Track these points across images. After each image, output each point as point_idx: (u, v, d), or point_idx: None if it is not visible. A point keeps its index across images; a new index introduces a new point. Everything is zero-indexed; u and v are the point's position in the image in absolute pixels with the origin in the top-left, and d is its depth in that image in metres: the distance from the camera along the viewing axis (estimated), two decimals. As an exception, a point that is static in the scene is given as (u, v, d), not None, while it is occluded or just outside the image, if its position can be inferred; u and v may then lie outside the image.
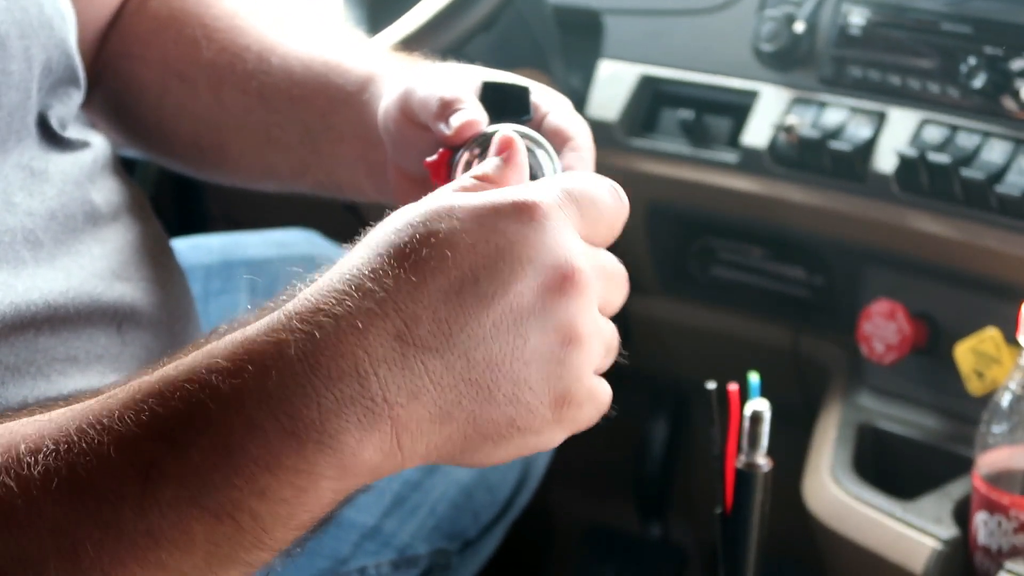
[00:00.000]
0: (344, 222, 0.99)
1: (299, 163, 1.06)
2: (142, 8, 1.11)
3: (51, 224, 0.92)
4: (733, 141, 1.51)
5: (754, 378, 0.92)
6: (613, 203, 0.74)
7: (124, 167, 1.07)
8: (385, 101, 0.94)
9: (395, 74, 0.98)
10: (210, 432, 0.63)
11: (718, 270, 1.64)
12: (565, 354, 0.68)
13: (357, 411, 0.63)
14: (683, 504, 1.92)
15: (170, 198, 1.95)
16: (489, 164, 0.75)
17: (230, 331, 0.66)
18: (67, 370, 0.89)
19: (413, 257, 0.65)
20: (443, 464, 1.18)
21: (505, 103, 0.88)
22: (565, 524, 2.01)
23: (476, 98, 0.88)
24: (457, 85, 0.89)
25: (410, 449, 0.65)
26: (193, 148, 1.11)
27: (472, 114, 0.86)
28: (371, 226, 0.69)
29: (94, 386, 0.83)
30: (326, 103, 1.01)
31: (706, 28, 1.55)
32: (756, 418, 0.92)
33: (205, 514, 0.63)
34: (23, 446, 0.64)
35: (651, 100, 1.59)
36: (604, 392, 0.73)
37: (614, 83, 1.59)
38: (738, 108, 1.51)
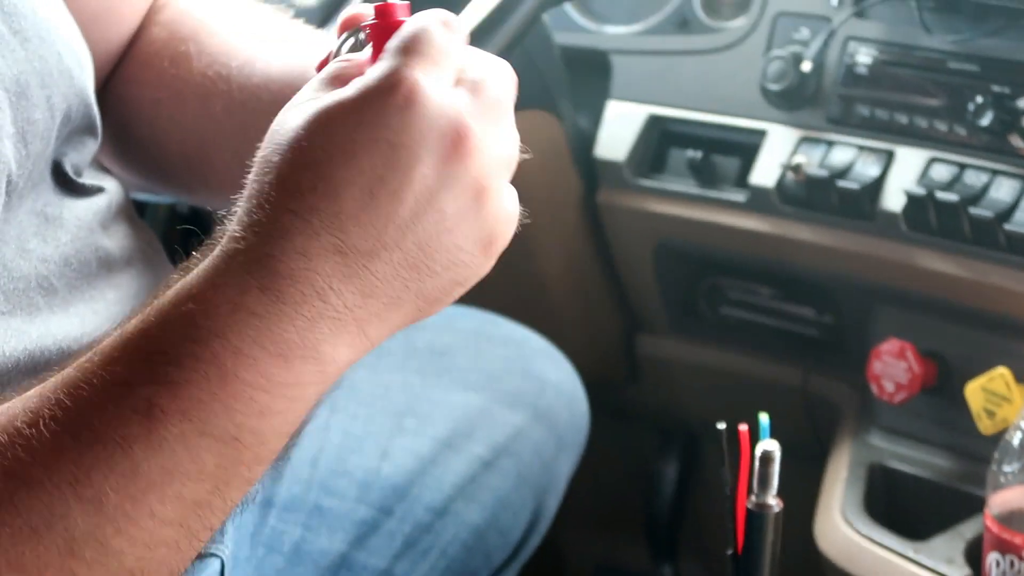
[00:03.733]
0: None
1: None
2: (142, 34, 1.11)
3: (65, 270, 0.93)
4: (741, 180, 1.51)
5: (764, 418, 0.92)
6: (448, 32, 0.76)
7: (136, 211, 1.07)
8: None
9: None
10: (201, 367, 0.68)
11: (727, 309, 1.64)
12: (480, 204, 0.74)
13: (326, 323, 0.70)
14: (694, 545, 1.92)
15: (179, 242, 1.95)
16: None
17: (184, 279, 0.72)
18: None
19: (321, 172, 0.71)
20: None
21: None
22: (576, 565, 2.01)
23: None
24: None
25: (376, 336, 0.73)
26: (182, 163, 1.11)
27: (352, 10, 0.87)
28: None
29: None
30: None
31: (713, 68, 1.56)
32: (767, 458, 0.92)
33: (212, 441, 0.69)
34: (19, 422, 0.69)
35: (659, 140, 1.59)
36: (515, 206, 0.77)
37: (622, 123, 1.60)
38: (746, 147, 1.51)
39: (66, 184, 0.97)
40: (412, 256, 0.72)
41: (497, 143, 0.75)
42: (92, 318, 0.93)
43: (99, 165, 1.08)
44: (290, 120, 0.73)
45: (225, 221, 0.74)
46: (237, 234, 0.71)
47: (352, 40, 0.85)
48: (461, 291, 0.76)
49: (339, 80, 0.76)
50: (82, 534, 0.67)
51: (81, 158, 0.99)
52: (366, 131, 0.71)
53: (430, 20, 0.76)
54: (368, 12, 0.85)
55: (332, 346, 0.71)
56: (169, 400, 0.68)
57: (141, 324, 0.71)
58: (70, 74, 0.93)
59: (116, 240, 1.00)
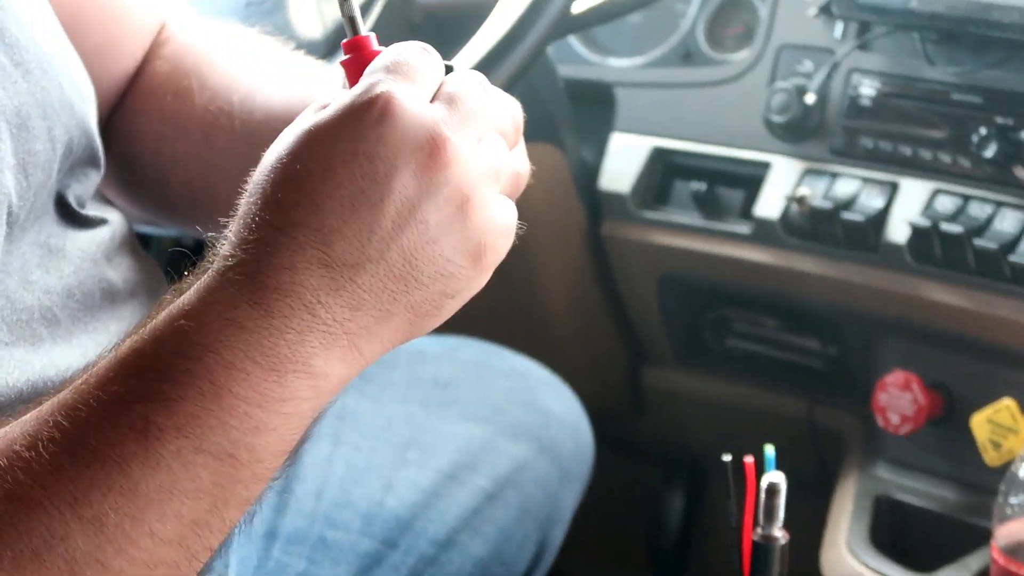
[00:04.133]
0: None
1: None
2: (145, 68, 1.12)
3: (68, 302, 0.93)
4: (746, 212, 1.51)
5: (770, 450, 0.92)
6: (424, 54, 0.78)
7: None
8: None
9: None
10: (196, 382, 0.69)
11: (732, 341, 1.64)
12: (464, 215, 0.74)
13: (316, 336, 0.71)
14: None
15: (183, 275, 1.96)
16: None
17: (177, 299, 0.73)
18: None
19: (303, 189, 0.72)
20: None
21: None
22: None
23: None
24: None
25: (369, 351, 0.74)
26: (186, 196, 1.11)
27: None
28: None
29: None
30: None
31: (717, 100, 1.56)
32: (772, 491, 0.92)
33: (209, 458, 0.69)
34: (17, 446, 0.69)
35: (663, 172, 1.60)
36: (510, 218, 0.78)
37: (626, 155, 1.60)
38: (750, 179, 1.51)
39: (69, 216, 0.97)
40: (397, 268, 0.73)
41: (478, 153, 0.76)
42: (95, 350, 0.93)
43: (102, 197, 1.08)
44: (277, 145, 0.75)
45: (216, 244, 0.75)
46: (227, 252, 0.72)
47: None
48: (453, 304, 0.76)
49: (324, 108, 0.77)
50: (83, 555, 0.68)
51: (84, 190, 0.99)
52: (344, 145, 0.72)
53: (406, 44, 0.78)
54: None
55: (324, 360, 0.72)
56: (165, 417, 0.69)
57: (134, 343, 0.71)
58: (71, 106, 0.94)
59: (120, 272, 1.00)
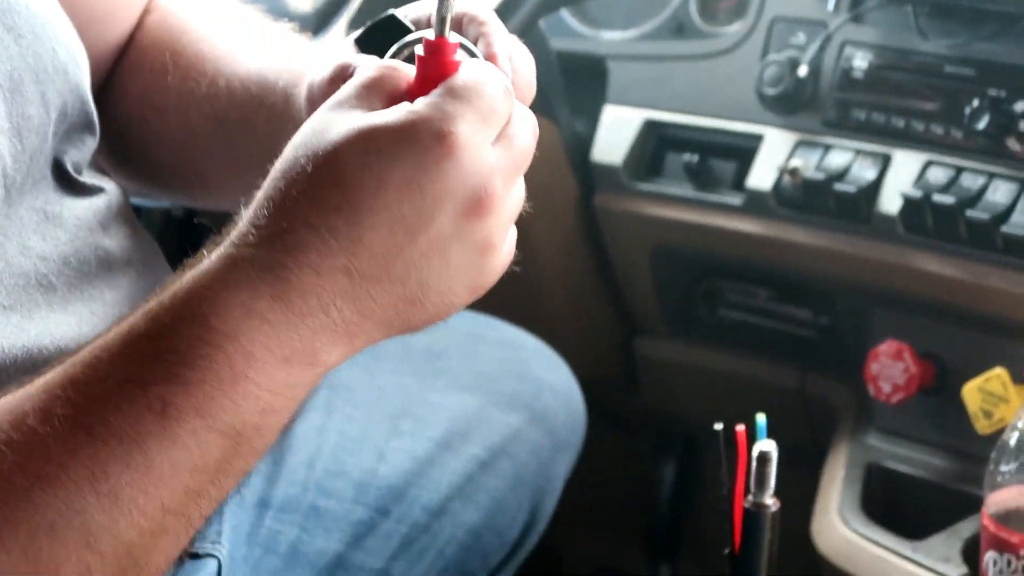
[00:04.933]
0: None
1: None
2: (132, 39, 1.12)
3: (64, 269, 0.93)
4: (738, 184, 1.52)
5: (761, 419, 0.92)
6: (506, 99, 0.77)
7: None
8: (302, 115, 0.94)
9: (303, 81, 0.97)
10: (214, 368, 0.71)
11: (724, 312, 1.64)
12: (484, 259, 0.77)
13: (327, 335, 0.74)
14: (692, 545, 1.92)
15: (175, 245, 1.95)
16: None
17: (193, 277, 0.73)
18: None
19: (349, 196, 0.72)
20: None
21: (386, 39, 0.88)
22: (575, 567, 2.01)
23: (360, 54, 0.89)
24: (339, 54, 0.90)
25: (361, 346, 0.77)
26: (174, 174, 1.11)
27: (364, 62, 0.86)
28: None
29: None
30: (265, 123, 1.01)
31: (710, 72, 1.56)
32: (764, 459, 0.92)
33: (219, 437, 0.72)
34: (31, 420, 0.70)
35: (656, 144, 1.60)
36: (511, 253, 0.80)
37: (619, 128, 1.60)
38: (742, 151, 1.51)
39: (67, 183, 0.97)
40: (411, 292, 0.75)
41: (514, 200, 0.78)
42: (90, 318, 0.93)
43: (98, 166, 1.08)
44: (330, 128, 0.74)
45: (237, 217, 0.75)
46: (252, 238, 0.73)
47: (404, 51, 0.85)
48: (439, 323, 0.79)
49: (380, 89, 0.77)
50: (99, 528, 0.69)
51: (81, 156, 0.99)
52: (402, 169, 0.73)
53: (494, 79, 0.77)
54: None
55: (327, 354, 0.75)
56: (183, 398, 0.71)
57: (150, 323, 0.73)
58: (65, 70, 0.94)
59: (115, 241, 1.00)
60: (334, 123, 0.75)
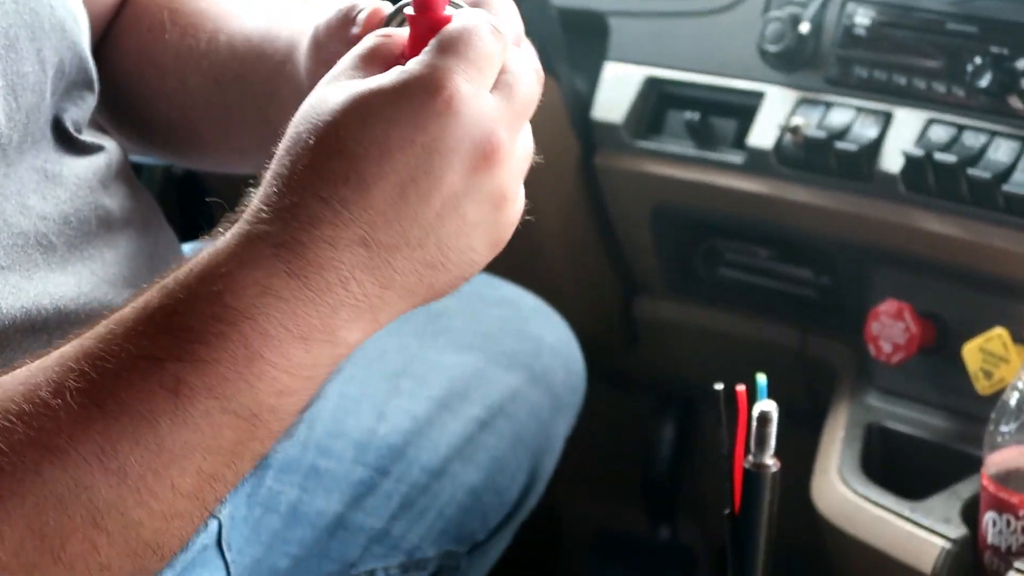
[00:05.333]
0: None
1: (261, 140, 1.05)
2: (129, 1, 1.11)
3: (64, 228, 0.92)
4: (739, 142, 1.51)
5: (761, 379, 0.92)
6: (495, 39, 0.77)
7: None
8: (304, 62, 0.94)
9: (304, 38, 0.97)
10: (229, 346, 0.70)
11: (725, 271, 1.64)
12: (498, 212, 0.76)
13: (347, 310, 0.73)
14: (692, 506, 1.93)
15: (175, 204, 1.95)
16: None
17: (209, 254, 0.73)
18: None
19: (355, 165, 0.72)
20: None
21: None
22: (573, 526, 2.01)
23: None
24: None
25: (385, 320, 0.76)
26: (170, 134, 1.11)
27: (371, 3, 0.88)
28: None
29: None
30: (264, 78, 1.01)
31: (711, 29, 1.55)
32: (764, 419, 0.92)
33: (233, 418, 0.71)
34: (43, 392, 0.69)
35: (657, 102, 1.59)
36: (522, 205, 0.79)
37: (620, 85, 1.59)
38: (744, 109, 1.51)
39: (67, 141, 0.96)
40: (431, 255, 0.74)
41: (522, 150, 0.77)
42: (90, 278, 0.93)
43: (98, 125, 1.08)
44: (328, 99, 0.74)
45: (249, 194, 0.75)
46: (265, 215, 0.73)
47: (398, 18, 0.85)
48: (464, 283, 0.78)
49: (376, 57, 0.77)
50: (105, 505, 0.69)
51: (81, 114, 0.98)
52: (403, 130, 0.72)
53: (479, 22, 0.76)
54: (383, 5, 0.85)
55: (348, 331, 0.73)
56: (197, 377, 0.70)
57: (166, 299, 0.72)
58: (62, 27, 0.93)
59: (115, 200, 0.99)
60: (332, 94, 0.74)
